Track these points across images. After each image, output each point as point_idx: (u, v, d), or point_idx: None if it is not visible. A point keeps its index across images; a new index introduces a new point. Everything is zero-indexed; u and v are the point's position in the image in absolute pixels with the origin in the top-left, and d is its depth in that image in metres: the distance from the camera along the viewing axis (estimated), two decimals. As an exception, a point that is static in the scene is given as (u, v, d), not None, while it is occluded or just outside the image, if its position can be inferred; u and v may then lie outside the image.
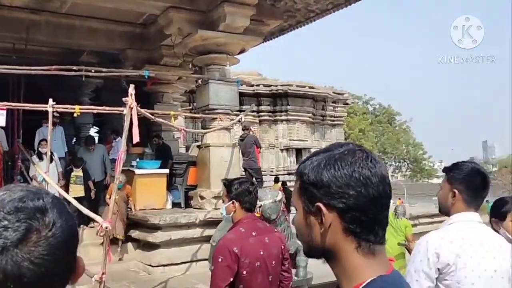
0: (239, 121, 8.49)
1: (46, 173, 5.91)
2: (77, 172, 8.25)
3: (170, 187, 8.95)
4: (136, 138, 5.31)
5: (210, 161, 7.98)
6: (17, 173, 8.68)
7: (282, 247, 2.70)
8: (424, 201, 35.94)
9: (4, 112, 5.65)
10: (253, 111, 19.58)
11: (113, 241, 7.17)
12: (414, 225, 10.15)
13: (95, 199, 8.37)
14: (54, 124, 9.05)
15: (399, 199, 28.33)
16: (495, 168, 56.78)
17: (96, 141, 14.68)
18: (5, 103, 5.97)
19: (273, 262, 2.58)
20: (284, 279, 2.74)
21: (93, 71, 7.53)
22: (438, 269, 1.99)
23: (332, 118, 23.08)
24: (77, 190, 7.97)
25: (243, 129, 11.16)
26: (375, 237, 0.90)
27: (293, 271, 6.56)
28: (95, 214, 6.31)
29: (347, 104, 24.93)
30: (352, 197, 0.88)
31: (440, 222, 15.60)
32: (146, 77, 8.29)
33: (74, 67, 7.31)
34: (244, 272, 2.46)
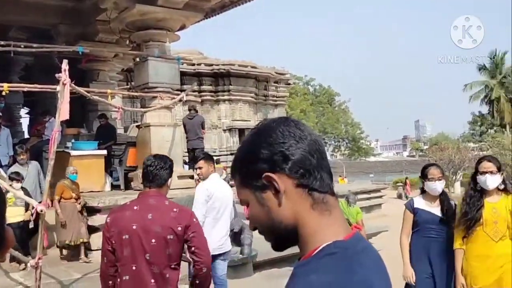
0: (180, 100, 8.32)
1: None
2: (17, 190, 6.01)
3: (109, 168, 8.66)
4: (65, 116, 5.01)
5: (151, 141, 7.79)
6: None
7: (179, 228, 2.59)
8: (362, 178, 37.35)
9: None
10: (194, 91, 19.29)
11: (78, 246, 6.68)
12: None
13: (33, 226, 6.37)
14: None
15: (340, 176, 29.27)
16: (426, 146, 59.65)
17: (27, 122, 13.95)
18: None
19: (153, 241, 2.54)
20: (195, 263, 2.70)
21: (22, 46, 7.06)
22: (208, 196, 4.27)
23: (275, 98, 23.20)
24: (17, 212, 6.05)
25: (189, 109, 10.93)
26: (322, 183, 0.90)
27: (238, 248, 6.61)
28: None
29: (288, 84, 25.13)
30: (291, 149, 0.88)
31: (376, 197, 16.31)
32: (80, 53, 7.90)
33: (1, 42, 6.82)
34: (113, 241, 2.59)
